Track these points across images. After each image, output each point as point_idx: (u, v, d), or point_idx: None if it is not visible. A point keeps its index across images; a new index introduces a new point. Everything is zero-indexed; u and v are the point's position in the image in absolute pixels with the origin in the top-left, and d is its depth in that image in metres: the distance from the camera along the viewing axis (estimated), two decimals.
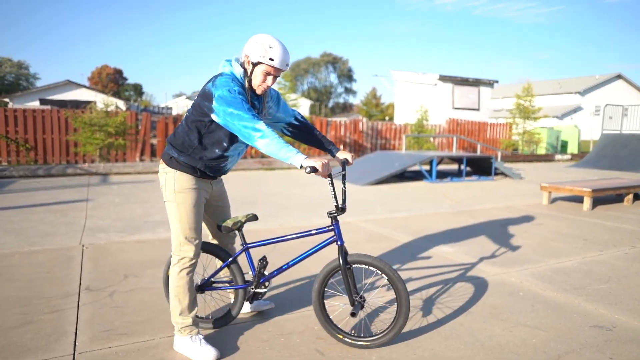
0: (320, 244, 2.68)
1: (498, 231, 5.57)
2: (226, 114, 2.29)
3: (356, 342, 2.59)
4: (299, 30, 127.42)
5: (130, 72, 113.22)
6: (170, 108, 43.97)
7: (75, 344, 2.60)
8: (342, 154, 2.72)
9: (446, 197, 8.36)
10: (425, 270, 4.03)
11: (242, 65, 2.45)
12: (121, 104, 29.06)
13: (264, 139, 2.23)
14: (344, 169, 2.67)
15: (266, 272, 2.79)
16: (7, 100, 32.90)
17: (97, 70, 63.92)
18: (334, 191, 2.52)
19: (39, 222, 5.62)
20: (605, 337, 2.78)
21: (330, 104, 77.66)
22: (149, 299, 3.27)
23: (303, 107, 38.12)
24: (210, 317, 2.89)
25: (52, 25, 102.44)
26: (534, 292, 3.52)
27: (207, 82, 2.42)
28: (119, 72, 65.48)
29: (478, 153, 13.98)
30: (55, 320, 2.90)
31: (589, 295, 3.49)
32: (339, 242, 2.57)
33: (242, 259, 4.08)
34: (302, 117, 2.86)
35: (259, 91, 2.47)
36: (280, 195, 8.15)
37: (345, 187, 2.61)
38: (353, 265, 2.57)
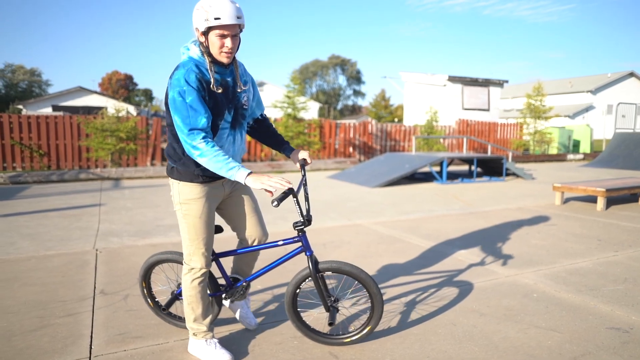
0: (288, 254, 2.61)
1: (510, 232, 5.52)
2: (175, 123, 2.20)
3: (332, 340, 2.65)
4: (307, 33, 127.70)
5: (140, 77, 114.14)
6: None
7: (91, 347, 2.63)
8: (300, 154, 2.54)
9: (457, 198, 8.32)
10: (437, 272, 4.01)
11: (199, 43, 2.24)
12: (132, 109, 29.37)
13: (203, 157, 2.16)
14: (303, 171, 2.54)
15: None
16: (20, 107, 33.39)
17: (107, 76, 64.61)
18: (299, 206, 2.41)
19: (54, 227, 5.69)
20: (622, 339, 2.75)
21: (339, 106, 77.70)
22: (162, 302, 3.29)
23: (312, 110, 38.20)
24: None
25: (62, 32, 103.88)
26: (549, 294, 3.49)
27: (169, 77, 2.25)
28: (129, 78, 66.13)
29: (489, 154, 13.89)
30: (71, 323, 2.93)
31: (604, 296, 3.45)
32: (307, 253, 2.51)
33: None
34: (265, 114, 2.71)
35: (223, 59, 2.23)
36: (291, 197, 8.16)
37: (307, 193, 2.48)
38: (325, 273, 2.57)
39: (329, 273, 2.56)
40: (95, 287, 3.59)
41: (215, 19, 2.11)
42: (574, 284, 3.70)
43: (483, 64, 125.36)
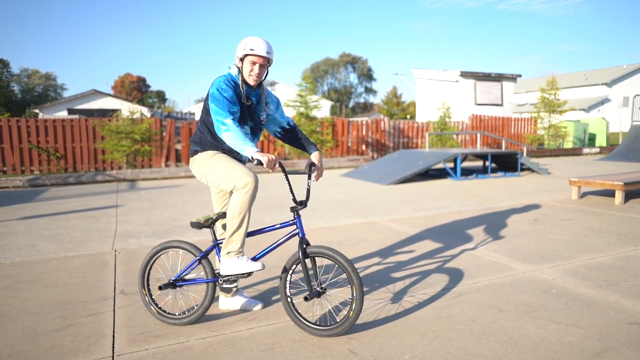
0: (283, 237, 2.87)
1: (527, 228, 5.47)
2: (210, 109, 2.75)
3: (319, 330, 2.73)
4: (317, 32, 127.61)
5: (153, 79, 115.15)
6: (193, 113, 44.50)
7: (113, 346, 2.67)
8: (313, 156, 3.01)
9: (472, 194, 8.26)
10: (455, 268, 3.99)
11: (237, 67, 2.88)
12: (145, 111, 29.65)
13: (228, 132, 2.65)
14: (309, 170, 2.94)
15: None
16: (36, 111, 33.93)
17: (120, 79, 65.26)
18: (290, 186, 2.82)
19: (73, 229, 5.78)
20: None
21: (351, 104, 77.48)
22: (181, 301, 3.33)
23: (324, 108, 38.08)
24: (184, 313, 2.98)
25: (75, 36, 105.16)
26: (568, 289, 3.45)
27: (211, 85, 2.86)
28: (142, 80, 66.71)
29: (503, 149, 13.76)
30: (93, 323, 2.99)
31: (625, 291, 3.40)
32: (300, 235, 2.79)
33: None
34: (294, 123, 3.22)
35: (251, 81, 2.85)
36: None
37: (309, 186, 2.89)
38: (312, 256, 2.74)
39: (318, 257, 2.74)
40: (115, 288, 3.65)
41: (250, 49, 2.77)
42: (593, 279, 3.65)
43: (496, 59, 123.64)
